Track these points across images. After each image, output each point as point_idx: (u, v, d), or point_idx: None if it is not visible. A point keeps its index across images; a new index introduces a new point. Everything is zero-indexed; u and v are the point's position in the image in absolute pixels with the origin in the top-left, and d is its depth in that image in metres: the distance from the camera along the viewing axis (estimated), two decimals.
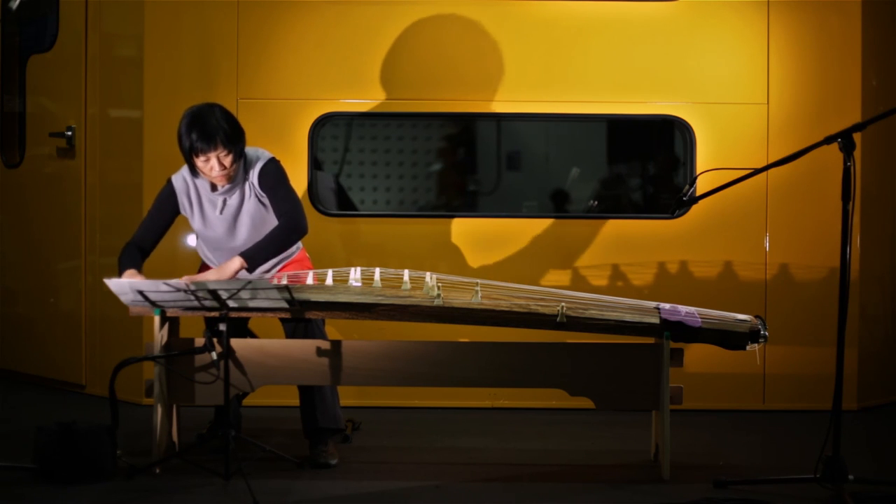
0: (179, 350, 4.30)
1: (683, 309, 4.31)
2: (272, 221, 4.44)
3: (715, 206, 5.41)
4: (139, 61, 5.60)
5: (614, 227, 5.63)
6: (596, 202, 6.11)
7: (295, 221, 4.37)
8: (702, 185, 4.66)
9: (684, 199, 4.36)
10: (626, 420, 5.14)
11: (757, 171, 4.26)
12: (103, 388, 5.04)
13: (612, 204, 6.14)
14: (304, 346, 4.34)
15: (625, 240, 5.59)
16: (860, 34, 5.57)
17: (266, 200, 4.43)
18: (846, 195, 3.92)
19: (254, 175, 4.41)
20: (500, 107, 5.62)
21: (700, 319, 4.28)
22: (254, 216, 4.44)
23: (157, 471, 4.24)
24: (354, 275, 4.31)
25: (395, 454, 4.71)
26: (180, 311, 4.26)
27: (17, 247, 6.18)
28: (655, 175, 6.14)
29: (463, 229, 5.64)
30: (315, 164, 5.78)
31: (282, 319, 4.42)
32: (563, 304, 4.26)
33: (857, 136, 3.96)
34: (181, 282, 4.14)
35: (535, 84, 5.58)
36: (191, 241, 5.52)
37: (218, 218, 4.44)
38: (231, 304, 4.17)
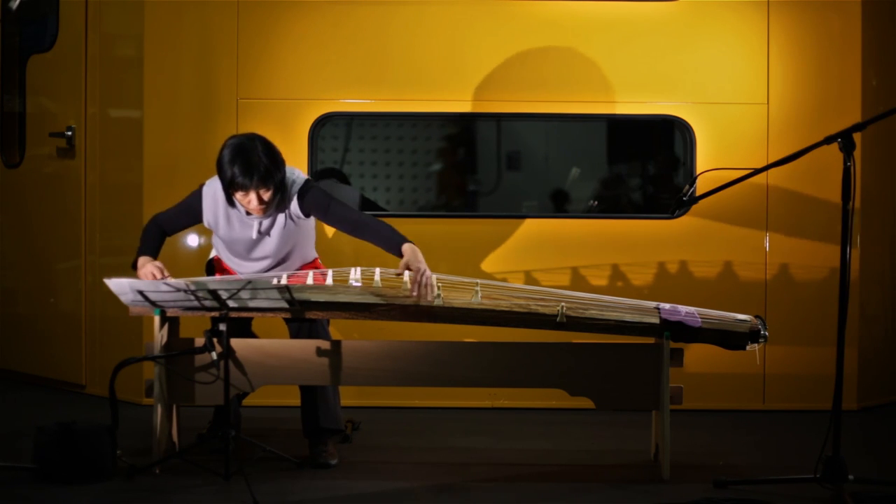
0: (179, 350, 4.30)
1: (683, 309, 4.31)
2: (298, 235, 4.45)
3: (715, 206, 5.41)
4: (139, 61, 5.60)
5: (614, 227, 5.63)
6: (596, 202, 6.11)
7: (368, 217, 4.41)
8: (702, 185, 4.66)
9: (684, 199, 4.35)
10: (626, 420, 5.14)
11: (757, 171, 4.27)
12: (103, 388, 5.04)
13: (612, 204, 6.13)
14: (304, 346, 4.34)
15: (625, 240, 5.59)
16: (860, 34, 5.57)
17: (298, 221, 4.42)
18: (846, 195, 3.92)
19: (294, 206, 4.36)
20: (500, 107, 5.62)
21: (700, 319, 4.28)
22: (282, 234, 4.43)
23: (157, 471, 4.24)
24: (354, 275, 4.31)
25: (395, 454, 4.71)
26: (180, 311, 4.25)
27: (17, 247, 6.18)
28: (655, 175, 6.13)
29: (463, 229, 5.64)
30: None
31: (286, 320, 4.42)
32: (563, 304, 4.26)
33: (857, 136, 3.96)
34: (181, 282, 4.14)
35: (535, 84, 5.58)
36: (191, 241, 5.53)
37: (246, 235, 4.42)
38: (231, 304, 4.17)
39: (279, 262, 4.49)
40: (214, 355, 4.19)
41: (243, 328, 4.59)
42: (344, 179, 6.08)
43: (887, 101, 5.57)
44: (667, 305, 4.32)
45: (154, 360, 4.26)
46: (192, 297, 4.15)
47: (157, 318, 4.25)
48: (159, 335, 4.26)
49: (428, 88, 5.59)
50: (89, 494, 4.01)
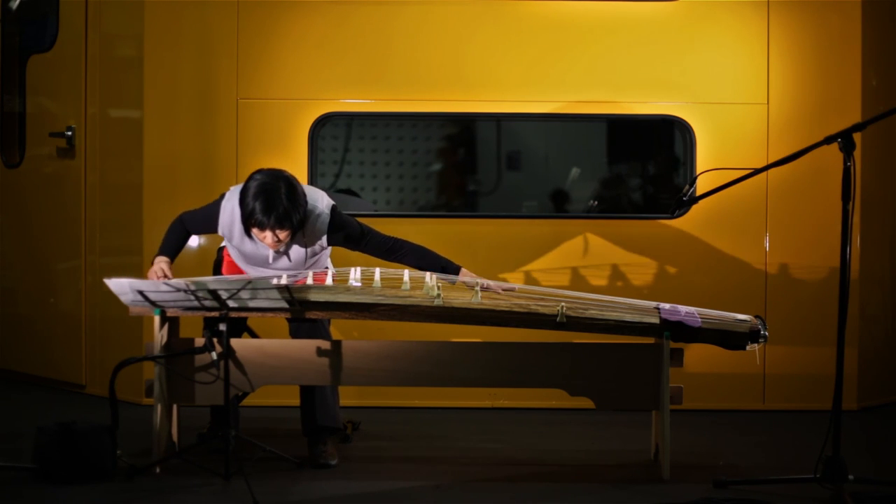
0: (179, 350, 4.30)
1: (683, 309, 4.31)
2: (317, 254, 4.47)
3: (715, 206, 5.41)
4: (139, 61, 5.60)
5: (614, 227, 5.63)
6: (596, 202, 6.11)
7: (401, 241, 4.48)
8: (702, 185, 4.66)
9: (684, 199, 4.35)
10: (626, 420, 5.14)
11: (757, 171, 4.26)
12: (103, 388, 5.04)
13: (613, 204, 6.13)
14: (304, 346, 4.34)
15: (625, 240, 5.59)
16: (860, 34, 5.57)
17: (322, 248, 4.46)
18: (846, 195, 3.92)
19: (322, 237, 4.38)
20: (500, 107, 5.62)
21: (700, 319, 4.28)
22: (301, 256, 4.44)
23: (157, 471, 4.24)
24: (354, 275, 4.31)
25: (395, 454, 4.71)
26: (180, 311, 4.25)
27: (17, 247, 6.18)
28: (655, 175, 6.13)
29: (463, 229, 5.64)
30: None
31: (287, 319, 4.42)
32: (563, 304, 4.26)
33: (857, 136, 3.96)
34: (181, 282, 4.14)
35: (535, 84, 5.59)
36: (191, 240, 5.52)
37: (261, 254, 4.42)
38: (231, 304, 4.17)
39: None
40: (214, 355, 4.19)
41: (238, 325, 4.58)
42: (353, 193, 6.07)
43: (887, 101, 5.57)
44: (667, 305, 4.32)
45: (154, 360, 4.26)
46: (192, 297, 4.15)
47: (157, 318, 4.25)
48: (159, 335, 4.26)
49: (428, 88, 5.59)
50: (89, 494, 4.01)
